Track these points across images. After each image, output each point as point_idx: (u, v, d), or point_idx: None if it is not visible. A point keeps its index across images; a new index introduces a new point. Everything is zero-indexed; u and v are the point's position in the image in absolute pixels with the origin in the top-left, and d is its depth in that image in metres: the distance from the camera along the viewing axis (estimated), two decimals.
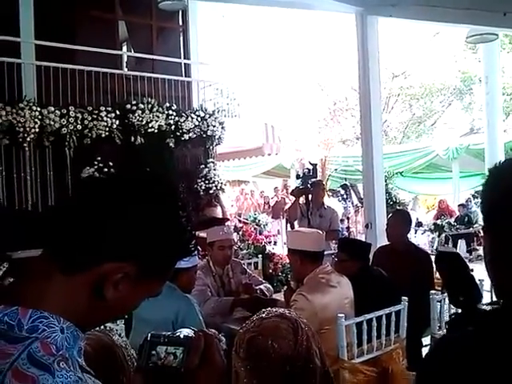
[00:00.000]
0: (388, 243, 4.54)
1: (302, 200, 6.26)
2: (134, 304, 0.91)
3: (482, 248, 0.98)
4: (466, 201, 12.38)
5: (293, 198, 6.63)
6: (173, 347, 0.93)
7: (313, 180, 6.19)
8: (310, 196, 6.11)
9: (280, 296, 3.93)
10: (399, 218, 4.53)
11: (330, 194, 11.05)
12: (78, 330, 0.83)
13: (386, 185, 8.65)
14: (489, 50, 8.81)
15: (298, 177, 6.43)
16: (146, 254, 0.84)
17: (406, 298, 3.33)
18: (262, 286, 3.99)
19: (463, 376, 0.87)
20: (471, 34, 7.23)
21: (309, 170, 6.24)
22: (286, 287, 4.28)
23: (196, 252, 2.73)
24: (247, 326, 1.42)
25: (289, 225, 6.61)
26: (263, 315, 1.42)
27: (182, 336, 0.95)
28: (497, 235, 0.91)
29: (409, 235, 4.89)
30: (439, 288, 4.63)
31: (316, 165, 6.45)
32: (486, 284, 4.47)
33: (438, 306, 3.76)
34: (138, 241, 0.83)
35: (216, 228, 4.09)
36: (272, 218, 13.31)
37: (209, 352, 0.93)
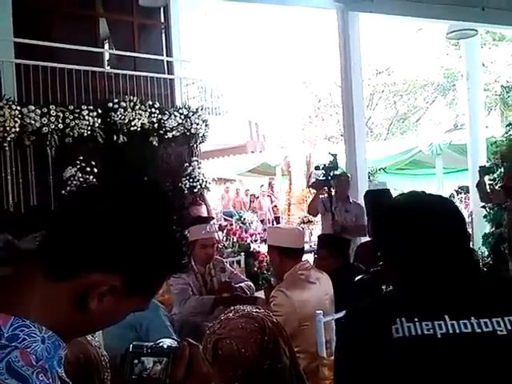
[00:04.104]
0: (369, 239, 4.56)
1: (323, 194, 5.81)
2: (118, 318, 0.87)
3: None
4: (450, 196, 12.47)
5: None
6: (156, 358, 0.89)
7: (335, 172, 5.77)
8: (332, 189, 5.70)
9: (262, 294, 3.91)
10: None
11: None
12: (60, 340, 0.80)
13: (370, 181, 8.68)
14: (469, 46, 8.86)
15: (317, 168, 5.99)
16: (136, 268, 0.81)
17: None
18: (242, 284, 3.93)
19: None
20: (451, 30, 7.28)
21: (330, 161, 5.82)
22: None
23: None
24: (214, 327, 1.40)
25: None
26: (230, 315, 1.40)
27: (165, 346, 0.91)
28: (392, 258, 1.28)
29: None
30: None
31: (336, 155, 5.90)
32: None
33: None
34: (128, 253, 0.80)
35: (198, 226, 3.93)
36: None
37: (194, 363, 0.89)
